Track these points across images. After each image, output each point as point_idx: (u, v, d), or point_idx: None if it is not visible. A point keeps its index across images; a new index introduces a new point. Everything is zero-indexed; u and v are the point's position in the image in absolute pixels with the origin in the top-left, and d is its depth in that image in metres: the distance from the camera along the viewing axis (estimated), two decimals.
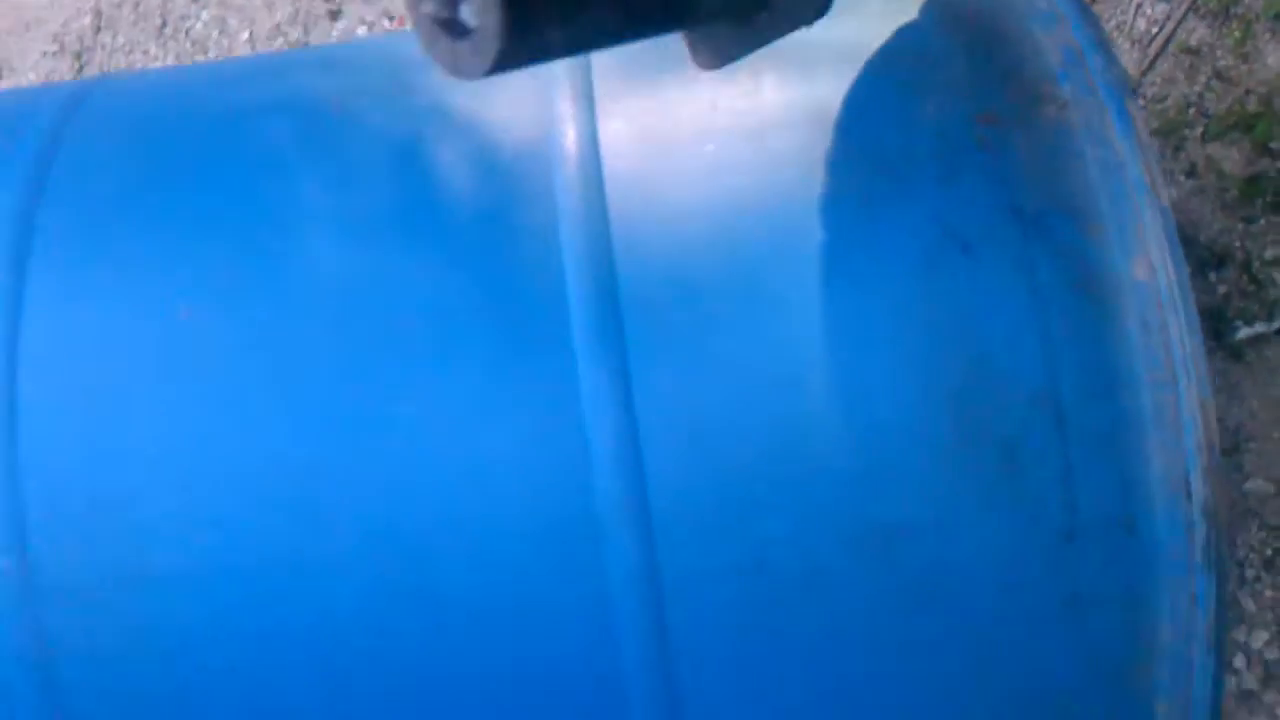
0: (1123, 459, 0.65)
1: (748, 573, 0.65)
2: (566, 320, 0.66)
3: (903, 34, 0.74)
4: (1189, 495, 0.64)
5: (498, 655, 0.66)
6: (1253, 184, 1.01)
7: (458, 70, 0.51)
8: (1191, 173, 1.05)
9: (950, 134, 0.69)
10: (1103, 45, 0.72)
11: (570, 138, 0.71)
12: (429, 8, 0.51)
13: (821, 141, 0.69)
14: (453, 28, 0.51)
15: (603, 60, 0.74)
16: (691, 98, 0.72)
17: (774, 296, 0.67)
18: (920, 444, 0.65)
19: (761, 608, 0.66)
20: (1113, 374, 0.65)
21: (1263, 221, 1.04)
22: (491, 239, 0.68)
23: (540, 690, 0.67)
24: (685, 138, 0.71)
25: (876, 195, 0.68)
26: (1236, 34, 0.98)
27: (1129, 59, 1.04)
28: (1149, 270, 0.66)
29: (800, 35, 0.62)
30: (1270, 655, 1.03)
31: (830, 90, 0.72)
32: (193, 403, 0.68)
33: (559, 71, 0.74)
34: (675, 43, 0.65)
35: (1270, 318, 1.09)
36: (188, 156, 0.74)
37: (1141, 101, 1.08)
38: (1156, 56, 1.08)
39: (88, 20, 2.36)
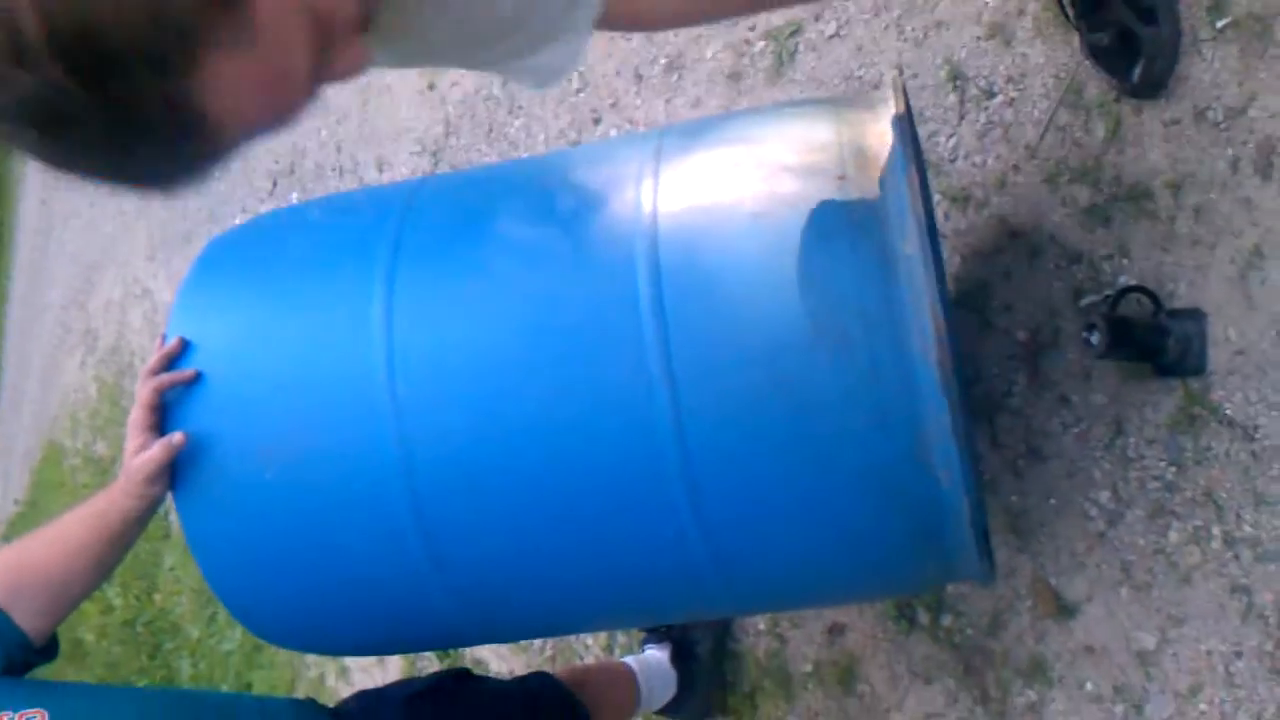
0: (899, 334, 1.28)
1: (730, 372, 1.30)
2: (635, 300, 1.34)
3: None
4: (934, 351, 1.26)
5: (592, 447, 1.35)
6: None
7: None
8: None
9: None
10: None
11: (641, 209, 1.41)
12: None
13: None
14: None
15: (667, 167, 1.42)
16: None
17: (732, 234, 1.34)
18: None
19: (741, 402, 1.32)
20: (895, 301, 1.29)
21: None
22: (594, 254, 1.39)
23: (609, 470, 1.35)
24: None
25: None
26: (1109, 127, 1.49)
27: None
28: (915, 248, 1.30)
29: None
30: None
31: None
32: (480, 344, 1.41)
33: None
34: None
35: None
36: (468, 218, 1.48)
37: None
38: (1043, 136, 1.66)
39: (440, 128, 3.22)
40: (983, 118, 1.73)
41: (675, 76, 2.33)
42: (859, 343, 1.27)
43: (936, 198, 1.79)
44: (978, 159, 1.74)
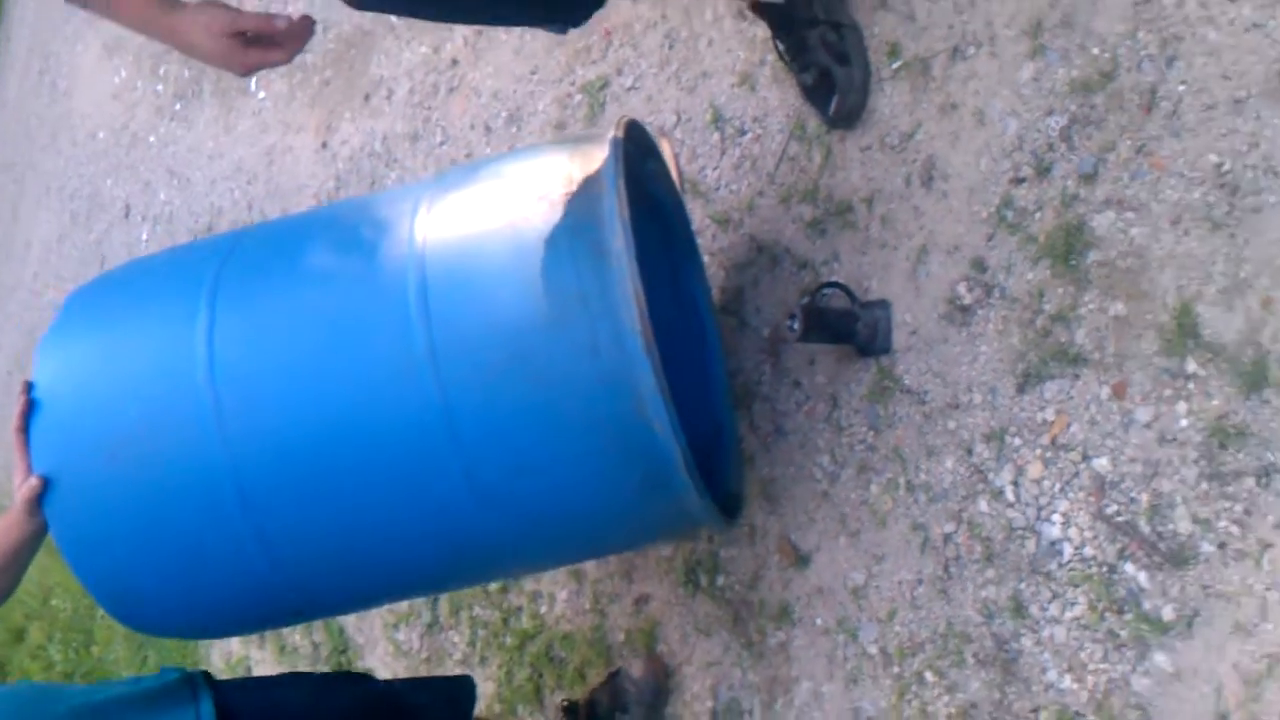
0: (612, 312, 1.58)
1: (482, 351, 1.60)
2: (406, 305, 1.64)
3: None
4: (639, 323, 1.55)
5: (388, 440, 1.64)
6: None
7: None
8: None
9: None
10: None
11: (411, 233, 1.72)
12: None
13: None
14: None
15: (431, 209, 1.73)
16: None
17: (492, 277, 1.66)
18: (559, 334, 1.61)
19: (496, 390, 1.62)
20: (607, 285, 1.60)
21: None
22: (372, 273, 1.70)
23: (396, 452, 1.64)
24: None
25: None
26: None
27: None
28: (622, 244, 1.61)
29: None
30: None
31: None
32: (285, 350, 1.71)
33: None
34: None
35: None
36: (278, 252, 1.79)
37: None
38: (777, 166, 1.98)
39: (333, 183, 3.53)
40: (737, 152, 2.06)
41: (515, 128, 2.65)
42: (580, 322, 1.57)
43: (706, 222, 2.11)
44: (734, 187, 2.06)
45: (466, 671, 2.66)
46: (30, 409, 1.61)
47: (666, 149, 2.19)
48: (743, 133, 2.05)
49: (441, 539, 1.73)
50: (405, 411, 1.63)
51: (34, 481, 1.57)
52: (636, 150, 1.85)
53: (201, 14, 1.38)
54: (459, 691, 1.96)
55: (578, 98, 2.47)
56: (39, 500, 1.58)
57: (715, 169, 2.10)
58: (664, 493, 1.66)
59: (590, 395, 1.59)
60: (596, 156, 1.66)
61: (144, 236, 5.33)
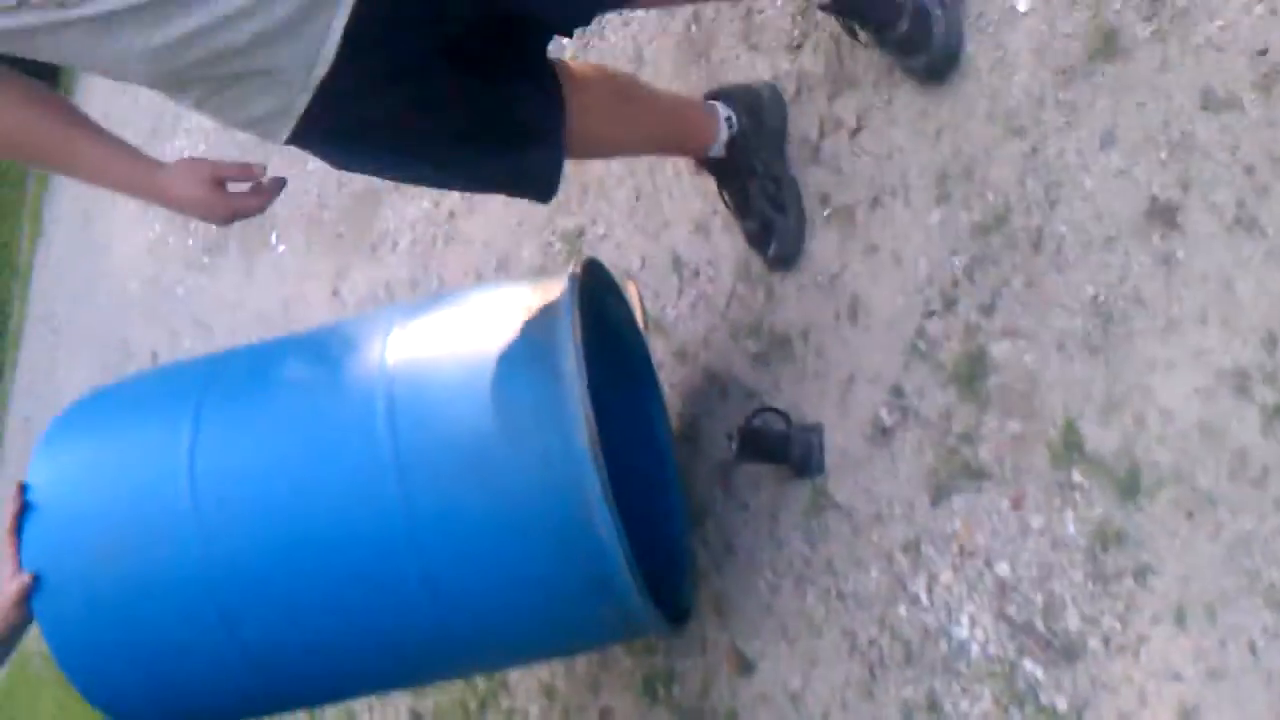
0: (562, 426, 1.74)
1: (443, 461, 1.75)
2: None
3: None
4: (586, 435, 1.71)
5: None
6: None
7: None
8: None
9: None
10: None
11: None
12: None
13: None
14: None
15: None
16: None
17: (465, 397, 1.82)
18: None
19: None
20: (559, 402, 1.76)
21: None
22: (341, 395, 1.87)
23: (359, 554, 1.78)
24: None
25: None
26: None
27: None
28: (573, 366, 1.77)
29: None
30: None
31: None
32: (259, 462, 1.87)
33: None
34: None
35: None
36: (256, 374, 1.97)
37: None
38: None
39: None
40: (693, 293, 2.25)
41: (503, 273, 2.86)
42: (534, 436, 1.73)
43: (665, 356, 2.28)
44: (690, 324, 2.25)
45: None
46: (23, 511, 1.77)
47: (632, 290, 2.38)
48: (697, 275, 2.24)
49: (403, 637, 1.86)
50: (371, 518, 1.78)
51: (24, 578, 1.72)
52: (597, 286, 2.03)
53: (184, 168, 1.58)
54: None
55: (557, 245, 2.68)
56: (28, 596, 1.72)
57: (674, 308, 2.29)
58: (608, 594, 1.79)
59: (541, 503, 1.75)
60: (555, 290, 1.84)
61: None
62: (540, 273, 2.72)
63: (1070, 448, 1.55)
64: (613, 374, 2.13)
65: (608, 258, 2.47)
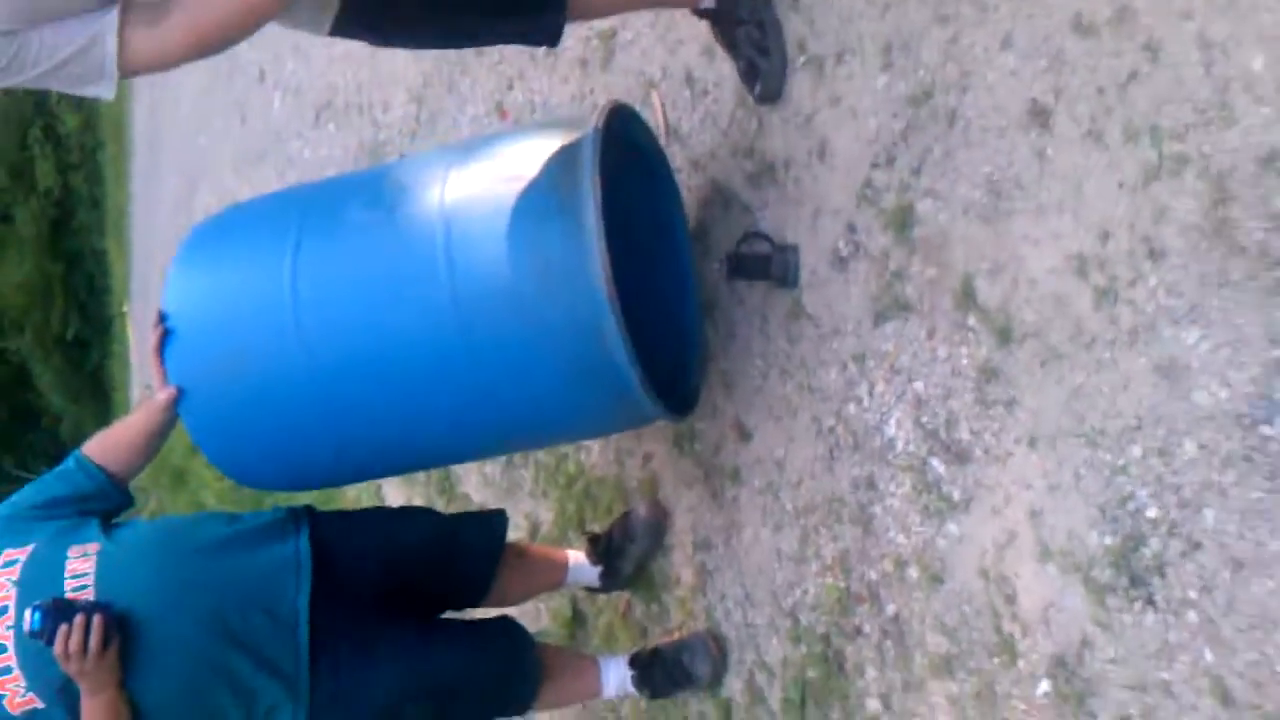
0: (588, 281, 2.16)
1: (489, 282, 2.20)
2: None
3: None
4: (604, 276, 2.13)
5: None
6: None
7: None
8: None
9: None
10: None
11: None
12: None
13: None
14: None
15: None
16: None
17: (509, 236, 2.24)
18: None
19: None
20: (581, 251, 2.16)
21: None
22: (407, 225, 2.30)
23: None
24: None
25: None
26: None
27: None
28: (592, 221, 2.16)
29: None
30: None
31: None
32: (345, 274, 2.33)
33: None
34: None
35: None
36: (339, 205, 2.40)
37: None
38: None
39: (420, 80, 4.10)
40: (702, 109, 2.58)
41: (551, 59, 3.18)
42: (561, 280, 2.13)
43: (683, 161, 2.64)
44: (700, 138, 2.59)
45: (535, 500, 3.37)
46: (164, 336, 2.28)
47: (656, 100, 2.71)
48: (705, 93, 2.56)
49: (459, 426, 2.35)
50: (434, 339, 2.24)
51: (171, 389, 2.25)
52: (621, 120, 2.36)
53: None
54: (494, 523, 2.63)
55: (594, 41, 2.99)
56: (174, 402, 2.26)
57: (689, 120, 2.63)
58: (629, 405, 2.25)
59: (570, 334, 2.17)
60: (584, 145, 2.17)
61: (276, 104, 6.01)
62: (581, 64, 3.05)
63: (967, 296, 1.92)
64: (639, 181, 2.51)
65: (634, 62, 2.79)
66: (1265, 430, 1.49)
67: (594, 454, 3.08)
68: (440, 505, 3.95)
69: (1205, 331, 1.56)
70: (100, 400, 16.03)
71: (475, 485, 3.77)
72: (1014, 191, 1.83)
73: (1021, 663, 1.85)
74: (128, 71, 1.78)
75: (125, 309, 13.96)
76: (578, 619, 3.16)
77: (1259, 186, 1.49)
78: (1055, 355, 1.77)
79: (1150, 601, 1.64)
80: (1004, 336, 1.86)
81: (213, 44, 1.78)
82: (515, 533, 3.46)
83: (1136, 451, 1.65)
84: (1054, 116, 1.76)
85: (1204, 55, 1.55)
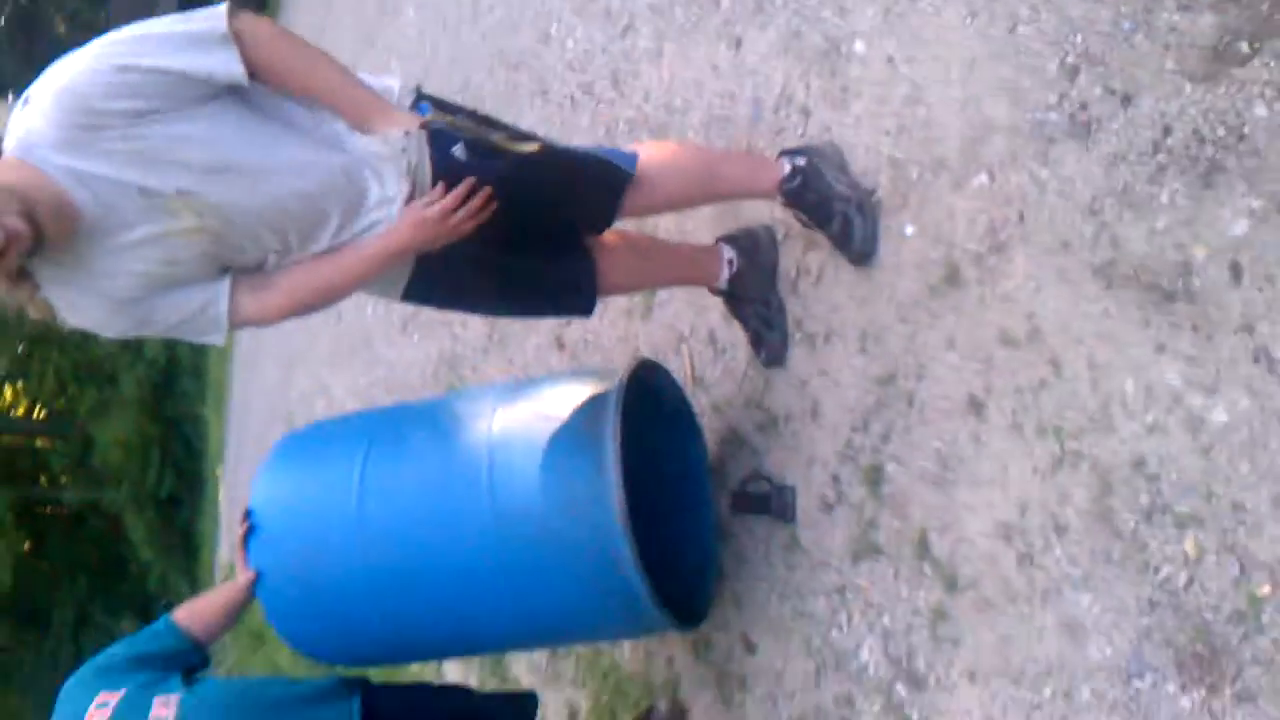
0: (607, 513, 2.58)
1: (522, 515, 2.63)
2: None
3: None
4: (620, 512, 2.56)
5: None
6: None
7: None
8: None
9: None
10: None
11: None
12: None
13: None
14: None
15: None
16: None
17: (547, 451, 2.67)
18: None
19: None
20: (604, 486, 2.59)
21: None
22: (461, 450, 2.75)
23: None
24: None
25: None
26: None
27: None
28: (611, 464, 2.59)
29: None
30: None
31: None
32: (403, 490, 2.77)
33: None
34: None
35: None
36: (401, 434, 2.86)
37: None
38: None
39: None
40: (722, 365, 3.02)
41: (603, 306, 3.67)
42: (585, 510, 2.55)
43: (706, 405, 3.07)
44: (720, 387, 3.03)
45: (575, 688, 3.73)
46: (249, 530, 2.72)
47: (685, 351, 3.16)
48: (724, 352, 3.01)
49: (492, 619, 2.74)
50: (473, 547, 2.65)
51: (251, 574, 2.68)
52: (646, 372, 2.81)
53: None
54: (526, 704, 3.00)
55: (637, 299, 3.46)
56: (253, 585, 2.68)
57: (711, 372, 3.07)
58: (640, 615, 2.64)
59: (588, 557, 2.58)
60: (610, 395, 2.61)
61: (369, 310, 6.58)
62: (627, 314, 3.52)
63: (923, 547, 2.30)
64: (665, 424, 2.94)
65: (668, 318, 3.26)
66: (1137, 684, 1.84)
67: (626, 651, 3.45)
68: (492, 685, 4.32)
69: (1095, 597, 1.92)
70: (190, 555, 16.67)
71: (524, 669, 4.14)
72: (957, 465, 2.22)
73: None
74: (234, 326, 2.23)
75: (218, 472, 14.65)
76: None
77: (1132, 485, 1.87)
78: (989, 605, 2.14)
79: None
80: (951, 584, 2.23)
81: (304, 312, 2.26)
82: (555, 719, 3.82)
83: (1048, 692, 2.00)
84: (986, 409, 2.16)
85: (1091, 374, 1.96)
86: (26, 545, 19.32)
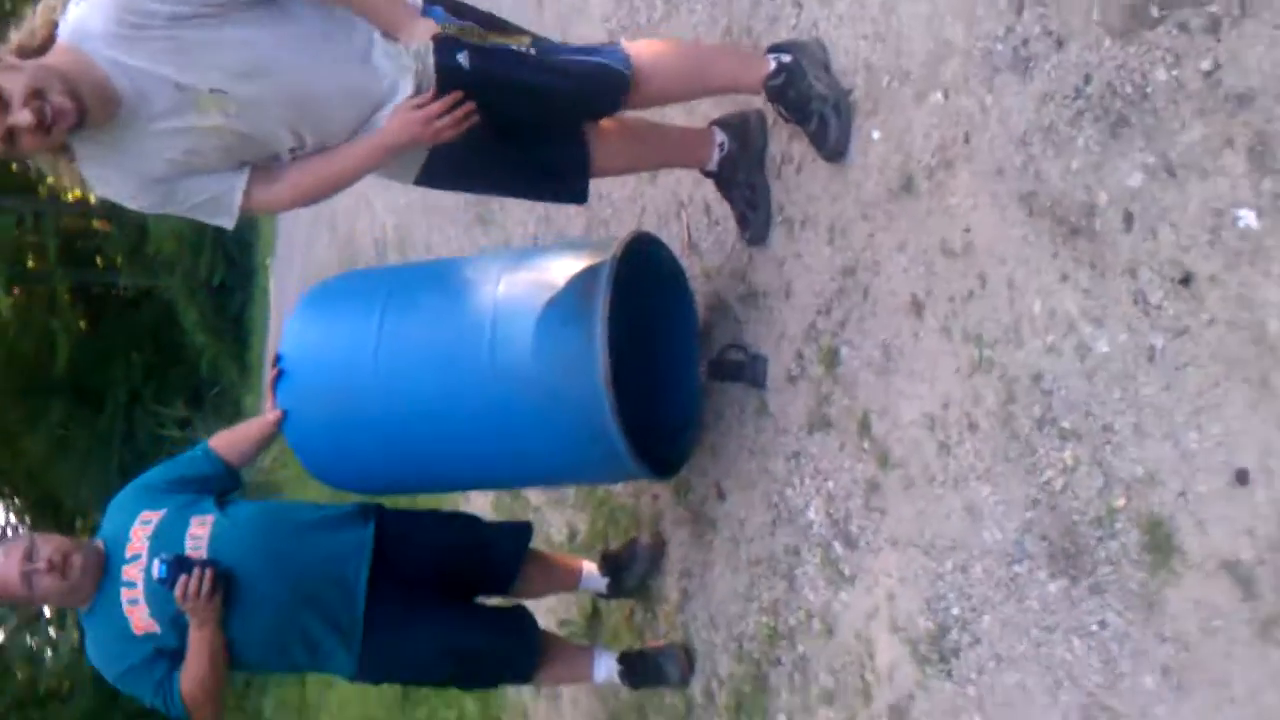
0: (593, 379, 2.86)
1: (520, 364, 2.93)
2: (490, 304, 2.96)
3: None
4: (606, 389, 2.84)
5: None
6: None
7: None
8: None
9: None
10: None
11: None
12: None
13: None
14: None
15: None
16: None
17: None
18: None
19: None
20: (592, 350, 2.86)
21: None
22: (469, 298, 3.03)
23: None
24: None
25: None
26: None
27: None
28: (599, 334, 2.86)
29: None
30: None
31: None
32: (416, 338, 3.07)
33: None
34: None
35: None
36: (414, 291, 3.13)
37: None
38: None
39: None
40: (714, 234, 3.25)
41: None
42: (576, 372, 2.84)
43: (698, 271, 3.32)
44: (711, 256, 3.27)
45: (575, 511, 4.10)
46: (278, 374, 3.03)
47: (684, 216, 3.39)
48: (718, 224, 3.23)
49: (491, 460, 3.07)
50: (477, 391, 2.96)
51: (279, 412, 3.01)
52: (641, 244, 3.05)
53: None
54: (521, 531, 3.38)
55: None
56: (280, 421, 3.02)
57: (705, 240, 3.30)
58: (620, 464, 2.96)
59: (575, 412, 2.88)
60: (604, 267, 2.87)
61: None
62: (636, 175, 3.74)
63: (865, 426, 2.57)
64: (661, 286, 3.19)
65: (671, 184, 3.48)
66: (1016, 568, 2.12)
67: (619, 486, 3.79)
68: (508, 505, 4.72)
69: (993, 489, 2.19)
70: (240, 341, 17.29)
71: (534, 492, 4.52)
72: (898, 357, 2.48)
73: (874, 705, 2.51)
74: (243, 212, 2.51)
75: (268, 263, 15.09)
76: (595, 615, 3.89)
77: (1030, 396, 2.12)
78: (912, 483, 2.42)
79: (949, 675, 2.29)
80: (884, 461, 2.51)
81: (307, 202, 2.55)
82: (557, 537, 4.21)
83: (949, 565, 2.30)
84: (925, 310, 2.40)
85: (1009, 292, 2.18)
86: (83, 324, 20.07)
